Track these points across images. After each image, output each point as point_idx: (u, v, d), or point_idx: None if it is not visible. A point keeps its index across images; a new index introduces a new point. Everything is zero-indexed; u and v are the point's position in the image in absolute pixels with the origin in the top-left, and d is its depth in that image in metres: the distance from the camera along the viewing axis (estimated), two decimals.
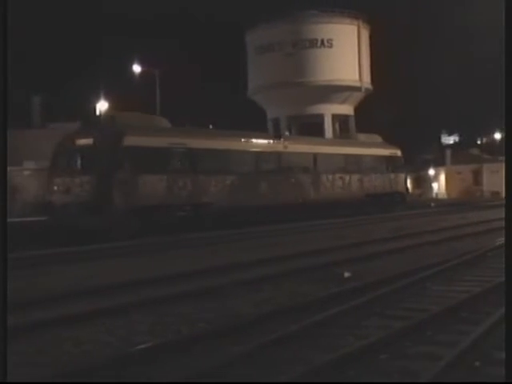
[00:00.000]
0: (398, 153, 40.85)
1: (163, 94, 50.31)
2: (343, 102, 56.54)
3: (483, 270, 13.01)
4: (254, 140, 30.91)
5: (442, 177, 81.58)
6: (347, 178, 35.28)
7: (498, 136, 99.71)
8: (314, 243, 19.50)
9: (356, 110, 58.80)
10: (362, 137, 40.45)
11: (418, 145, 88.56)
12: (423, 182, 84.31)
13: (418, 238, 20.41)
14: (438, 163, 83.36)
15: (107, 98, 44.61)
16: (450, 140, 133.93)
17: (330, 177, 34.19)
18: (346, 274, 12.41)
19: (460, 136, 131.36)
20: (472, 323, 8.04)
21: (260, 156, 30.28)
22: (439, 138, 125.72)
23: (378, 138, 40.77)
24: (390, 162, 39.29)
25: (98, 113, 42.60)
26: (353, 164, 35.92)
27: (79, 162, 24.26)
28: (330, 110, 56.22)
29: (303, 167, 32.65)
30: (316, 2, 58.70)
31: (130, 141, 24.10)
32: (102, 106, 43.89)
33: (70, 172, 23.98)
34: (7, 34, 5.46)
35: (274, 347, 7.08)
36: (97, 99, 43.41)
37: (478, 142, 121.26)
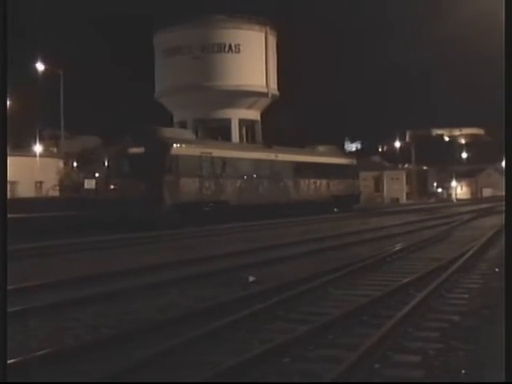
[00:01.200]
0: (354, 161, 50.19)
1: (68, 92, 49.23)
2: (250, 107, 56.92)
3: (383, 274, 13.35)
4: (256, 151, 39.33)
5: None
6: (318, 182, 43.65)
7: (397, 144, 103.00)
8: (224, 246, 19.48)
9: (262, 115, 59.30)
10: (322, 148, 47.41)
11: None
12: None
13: (321, 243, 20.74)
14: None
15: (9, 97, 43.16)
16: (352, 147, 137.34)
17: (306, 181, 42.33)
18: (251, 279, 12.42)
19: (362, 143, 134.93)
20: (373, 327, 8.19)
21: (259, 163, 37.69)
22: (342, 145, 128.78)
23: (335, 149, 49.73)
24: (348, 169, 47.83)
25: None
26: (323, 171, 43.90)
27: (133, 166, 30.39)
28: (237, 114, 56.48)
29: (287, 173, 40.37)
30: (225, 7, 58.85)
31: (175, 150, 31.07)
32: None
33: (125, 174, 30.43)
34: (7, 34, 5.28)
35: (177, 352, 6.99)
36: None
37: (380, 150, 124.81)
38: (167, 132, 34.01)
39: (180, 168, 31.04)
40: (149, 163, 29.88)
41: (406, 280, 11.57)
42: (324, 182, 44.28)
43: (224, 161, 34.35)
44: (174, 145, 31.40)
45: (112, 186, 31.11)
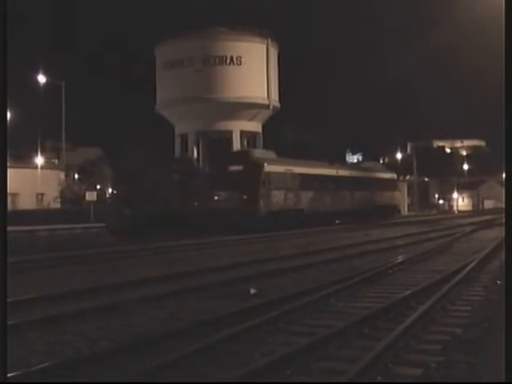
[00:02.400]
0: (394, 176, 59.23)
1: (69, 104, 49.32)
2: (251, 119, 56.92)
3: (385, 286, 13.29)
4: (323, 168, 46.51)
5: None
6: (368, 193, 51.26)
7: (399, 156, 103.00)
8: (221, 259, 19.42)
9: (264, 127, 59.31)
10: (368, 164, 57.70)
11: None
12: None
13: (323, 255, 20.67)
14: None
15: (10, 109, 43.29)
16: (353, 159, 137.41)
17: (359, 192, 49.75)
18: (252, 291, 12.37)
19: (363, 155, 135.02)
20: (374, 339, 8.14)
21: (325, 178, 45.56)
22: (344, 158, 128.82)
23: (380, 165, 60.87)
24: (389, 183, 56.35)
25: None
26: (371, 184, 51.78)
27: (233, 181, 37.36)
28: (239, 126, 56.46)
29: (345, 186, 47.73)
30: (227, 20, 59.00)
31: (268, 168, 38.73)
32: None
33: (226, 189, 37.74)
34: (7, 34, 5.28)
35: (177, 365, 6.94)
36: None
37: (381, 161, 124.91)
38: (258, 153, 42.98)
39: (271, 182, 38.65)
40: (246, 178, 37.45)
41: (407, 292, 11.51)
42: (371, 193, 52.18)
43: (301, 176, 41.86)
44: (266, 164, 39.10)
45: (216, 197, 38.69)
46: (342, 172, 49.07)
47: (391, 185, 57.01)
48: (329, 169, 47.53)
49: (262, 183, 38.03)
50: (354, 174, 51.17)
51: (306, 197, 42.44)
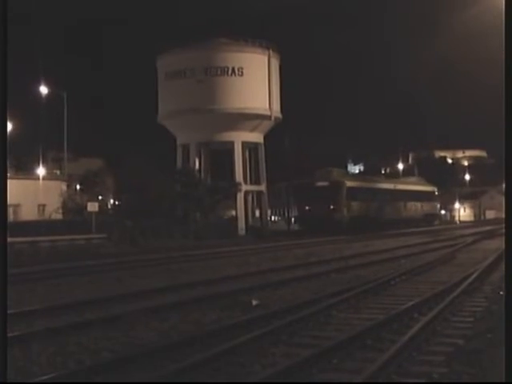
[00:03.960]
0: (435, 189, 71.89)
1: (71, 115, 49.41)
2: (253, 129, 56.83)
3: (387, 297, 13.27)
4: (385, 183, 60.02)
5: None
6: (417, 204, 63.03)
7: (400, 166, 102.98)
8: (223, 269, 19.41)
9: (266, 137, 59.26)
10: (414, 179, 71.46)
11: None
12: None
13: (325, 265, 20.66)
14: None
15: (11, 120, 43.39)
16: (355, 169, 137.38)
17: (409, 203, 61.00)
18: (255, 302, 12.35)
19: (365, 165, 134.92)
20: (377, 350, 8.13)
21: (387, 191, 56.39)
22: (346, 167, 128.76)
23: (423, 180, 71.86)
24: (431, 195, 69.33)
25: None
26: (418, 196, 63.27)
27: (320, 194, 47.72)
28: (240, 137, 56.36)
29: (400, 198, 58.48)
30: (228, 31, 59.14)
31: (348, 184, 49.91)
32: None
33: (315, 200, 47.95)
34: (7, 34, 5.30)
35: (179, 376, 6.93)
36: None
37: (382, 172, 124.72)
38: (337, 171, 54.46)
39: (351, 195, 48.92)
40: (331, 192, 47.74)
41: (410, 303, 11.49)
42: (419, 204, 63.63)
43: (371, 189, 53.28)
44: (346, 180, 50.97)
45: (307, 207, 49.07)
46: (398, 186, 60.52)
47: (432, 196, 69.74)
48: (388, 183, 60.36)
49: (344, 195, 48.51)
50: (406, 187, 62.36)
51: (375, 206, 52.59)
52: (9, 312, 10.89)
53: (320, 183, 48.90)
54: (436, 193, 71.97)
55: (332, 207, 47.89)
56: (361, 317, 10.83)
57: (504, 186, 7.42)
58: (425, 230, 53.33)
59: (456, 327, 9.93)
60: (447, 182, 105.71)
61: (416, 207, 62.80)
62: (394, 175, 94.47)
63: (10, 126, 43.08)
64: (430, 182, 73.76)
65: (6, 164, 5.36)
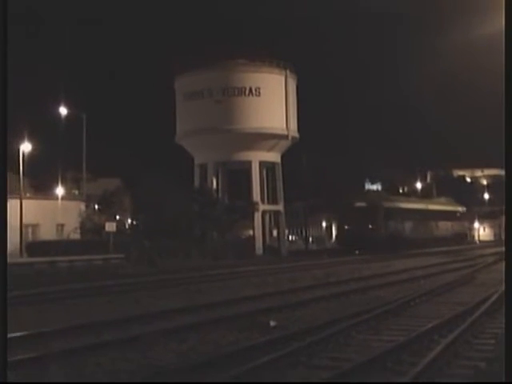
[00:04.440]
0: (464, 209, 76.72)
1: (90, 136, 49.77)
2: (270, 149, 56.93)
3: (407, 318, 13.14)
4: (418, 203, 63.30)
5: None
6: (447, 223, 66.92)
7: (419, 185, 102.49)
8: (240, 290, 19.34)
9: (283, 157, 59.32)
10: (444, 199, 76.21)
11: (342, 193, 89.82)
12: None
13: (344, 286, 20.53)
14: None
15: (31, 140, 43.79)
16: (373, 188, 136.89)
17: (440, 223, 64.92)
18: (273, 323, 12.27)
19: (383, 184, 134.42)
20: (397, 373, 8.03)
21: (420, 211, 59.67)
22: (363, 186, 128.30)
23: (453, 200, 77.06)
24: (460, 214, 73.62)
25: (21, 153, 41.85)
26: (448, 216, 67.43)
27: (359, 214, 51.18)
28: (258, 157, 56.45)
29: (432, 217, 62.15)
30: (246, 51, 59.39)
31: (384, 204, 53.48)
32: (25, 147, 43.07)
33: (354, 219, 51.10)
34: (7, 36, 5.33)
35: None
36: (21, 141, 42.52)
37: (400, 191, 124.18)
38: (374, 192, 61.43)
39: (387, 215, 52.57)
40: (369, 212, 51.11)
41: (430, 325, 11.36)
42: (449, 223, 67.77)
43: (405, 210, 56.23)
44: (383, 201, 54.62)
45: (346, 227, 52.83)
46: (430, 206, 64.48)
47: (461, 216, 74.16)
48: (420, 204, 64.09)
49: (381, 215, 52.00)
50: (437, 207, 66.78)
51: (408, 226, 56.51)
52: (27, 333, 10.95)
53: (358, 204, 52.48)
54: (464, 213, 76.71)
55: (370, 226, 51.31)
56: (381, 338, 10.72)
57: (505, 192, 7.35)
58: (444, 250, 52.98)
59: (477, 349, 9.80)
60: (466, 202, 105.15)
61: (446, 226, 66.70)
62: (412, 194, 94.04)
63: (29, 147, 43.46)
64: (458, 202, 78.32)
65: (5, 181, 5.32)
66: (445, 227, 66.21)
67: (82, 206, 49.77)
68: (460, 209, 75.26)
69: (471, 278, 22.99)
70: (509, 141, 6.21)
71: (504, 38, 6.11)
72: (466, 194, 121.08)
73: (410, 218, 57.47)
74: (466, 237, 75.78)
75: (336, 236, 58.15)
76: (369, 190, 60.19)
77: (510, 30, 6.03)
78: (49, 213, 47.21)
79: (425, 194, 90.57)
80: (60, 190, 54.01)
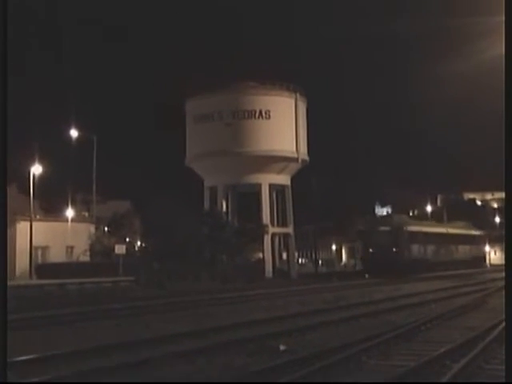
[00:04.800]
0: (482, 233, 79.27)
1: (100, 158, 49.99)
2: (280, 172, 57.03)
3: (418, 343, 13.00)
4: (438, 227, 65.32)
5: None
6: (466, 247, 68.71)
7: (429, 208, 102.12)
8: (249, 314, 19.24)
9: (292, 180, 59.36)
10: (461, 223, 75.13)
11: (352, 215, 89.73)
12: (357, 253, 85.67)
13: (354, 310, 20.38)
14: None
15: (42, 162, 44.03)
16: (383, 211, 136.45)
17: (460, 246, 66.78)
18: (282, 347, 12.17)
19: (393, 208, 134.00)
20: None
21: (440, 235, 61.54)
22: (373, 209, 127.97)
23: (470, 224, 77.89)
24: (478, 238, 75.98)
25: (32, 175, 42.04)
26: (467, 239, 69.65)
27: (384, 238, 53.04)
28: (268, 179, 56.53)
29: (451, 241, 63.97)
30: (255, 74, 59.73)
31: (407, 228, 55.25)
32: (36, 169, 43.29)
33: (379, 243, 53.11)
34: (7, 37, 5.38)
35: None
36: (31, 163, 42.76)
37: (410, 214, 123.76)
38: (397, 217, 61.54)
39: (411, 238, 54.43)
40: (393, 236, 53.20)
41: (442, 350, 11.23)
42: (468, 247, 69.47)
43: (427, 234, 57.69)
44: (406, 225, 56.26)
45: (370, 250, 54.07)
46: (450, 230, 65.89)
47: (480, 240, 76.60)
48: (441, 228, 66.31)
49: (404, 239, 53.71)
50: (457, 231, 67.78)
51: (430, 249, 57.80)
52: (36, 356, 10.91)
53: (383, 228, 54.61)
54: (483, 237, 78.99)
55: (394, 250, 52.97)
56: (391, 363, 10.60)
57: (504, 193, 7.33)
58: (455, 273, 52.66)
59: (490, 375, 9.67)
60: (477, 225, 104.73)
61: (465, 250, 68.42)
62: (423, 217, 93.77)
63: (40, 169, 43.70)
64: (476, 226, 79.97)
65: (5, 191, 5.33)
66: (464, 250, 67.89)
67: (92, 229, 49.89)
68: (478, 233, 77.05)
69: (482, 302, 22.79)
70: (509, 144, 6.18)
71: (504, 45, 6.11)
72: (477, 217, 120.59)
73: (432, 241, 58.77)
74: (484, 260, 77.50)
75: (361, 258, 59.23)
76: (392, 215, 62.65)
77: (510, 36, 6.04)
78: (59, 235, 47.36)
79: (436, 218, 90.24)
80: (70, 212, 54.22)
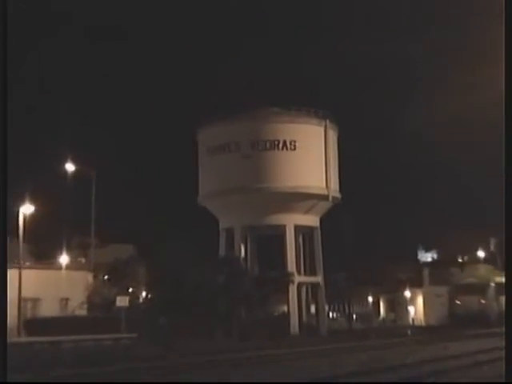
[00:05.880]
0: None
1: (100, 195, 50.30)
2: (307, 211, 56.72)
3: None
4: None
5: (420, 300, 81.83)
6: None
7: (481, 254, 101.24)
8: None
9: (322, 220, 58.96)
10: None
11: (391, 262, 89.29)
12: (398, 306, 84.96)
13: (394, 373, 20.15)
14: (415, 284, 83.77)
15: (33, 201, 44.26)
16: (427, 257, 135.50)
17: None
18: None
19: (438, 253, 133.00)
20: None
21: None
22: (416, 255, 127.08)
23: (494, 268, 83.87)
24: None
25: (21, 216, 42.21)
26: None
27: (472, 290, 61.87)
28: (293, 220, 56.21)
29: None
30: (278, 99, 59.92)
31: (496, 280, 61.82)
32: (26, 209, 43.48)
33: (466, 295, 61.93)
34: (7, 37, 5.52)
35: None
36: (21, 202, 43.04)
37: (460, 260, 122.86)
38: (483, 267, 73.61)
39: (499, 290, 56.56)
40: (481, 287, 62.12)
41: None
42: None
43: None
44: (494, 276, 64.06)
45: (458, 302, 61.83)
46: None
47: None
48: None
49: (494, 291, 60.63)
50: None
51: None
52: None
53: (470, 279, 64.89)
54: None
55: (483, 301, 60.38)
56: None
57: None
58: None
59: None
60: None
61: None
62: (475, 264, 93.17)
63: (30, 209, 43.94)
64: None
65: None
66: None
67: (90, 277, 49.93)
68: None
69: None
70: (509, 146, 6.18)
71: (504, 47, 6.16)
72: None
73: None
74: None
75: (449, 309, 65.98)
76: (478, 266, 74.60)
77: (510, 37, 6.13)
78: (51, 285, 47.40)
79: (489, 264, 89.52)
80: (64, 258, 54.41)
